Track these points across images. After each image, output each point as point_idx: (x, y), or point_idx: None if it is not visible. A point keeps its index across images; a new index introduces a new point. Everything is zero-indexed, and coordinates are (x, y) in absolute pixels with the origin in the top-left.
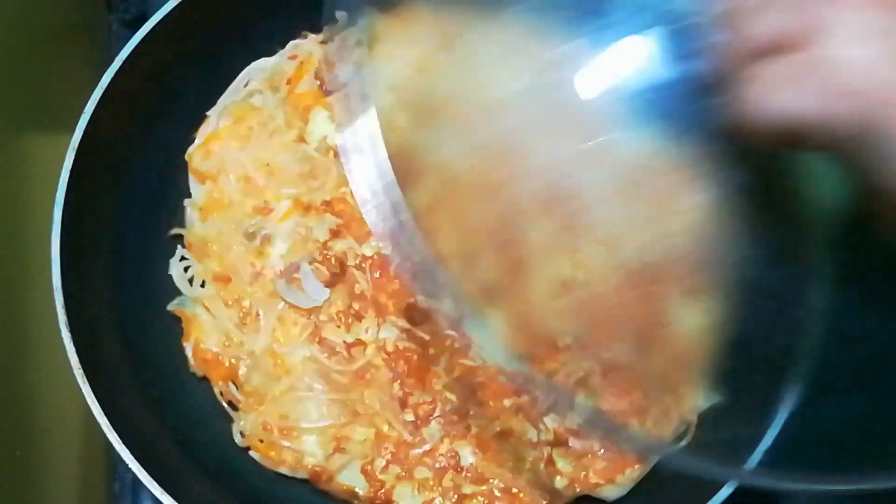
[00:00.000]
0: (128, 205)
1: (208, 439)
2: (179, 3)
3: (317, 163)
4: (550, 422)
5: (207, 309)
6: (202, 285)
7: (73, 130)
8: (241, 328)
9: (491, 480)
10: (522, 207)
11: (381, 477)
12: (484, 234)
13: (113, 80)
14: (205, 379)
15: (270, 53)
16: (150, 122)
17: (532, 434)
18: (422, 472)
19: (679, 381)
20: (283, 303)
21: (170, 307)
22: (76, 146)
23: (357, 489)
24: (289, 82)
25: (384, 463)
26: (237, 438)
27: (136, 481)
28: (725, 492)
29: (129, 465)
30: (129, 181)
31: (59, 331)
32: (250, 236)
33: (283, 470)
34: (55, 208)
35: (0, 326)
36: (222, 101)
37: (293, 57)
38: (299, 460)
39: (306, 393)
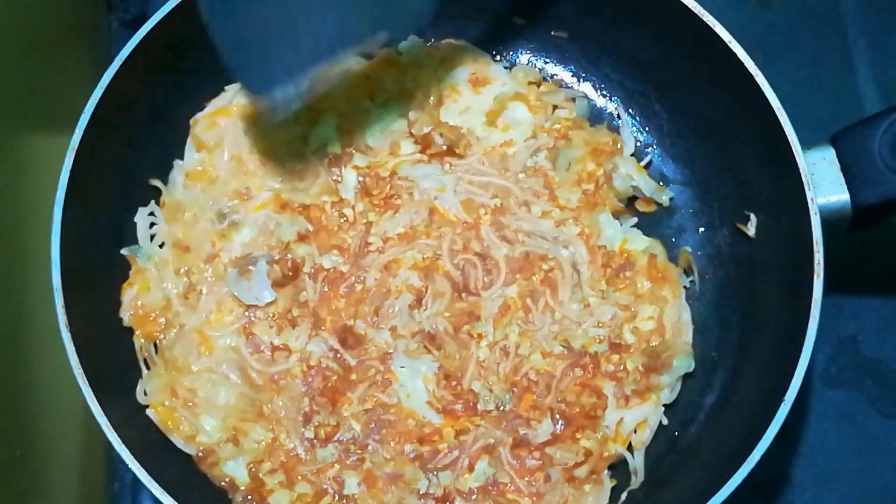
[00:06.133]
0: (127, 204)
1: None
2: (179, 3)
3: (309, 166)
4: (445, 478)
5: (158, 270)
6: (161, 246)
7: (73, 130)
8: (181, 299)
9: None
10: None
11: (263, 478)
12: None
13: (113, 80)
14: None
15: None
16: (151, 122)
17: (422, 484)
18: (303, 487)
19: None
20: (227, 288)
21: (124, 251)
22: (76, 146)
23: (238, 480)
24: None
25: (271, 467)
26: (140, 396)
27: (136, 481)
28: (725, 493)
29: (129, 465)
30: (129, 181)
31: (59, 331)
32: (221, 216)
33: (175, 438)
34: (55, 208)
35: (0, 326)
36: None
37: None
38: (193, 436)
39: (221, 378)
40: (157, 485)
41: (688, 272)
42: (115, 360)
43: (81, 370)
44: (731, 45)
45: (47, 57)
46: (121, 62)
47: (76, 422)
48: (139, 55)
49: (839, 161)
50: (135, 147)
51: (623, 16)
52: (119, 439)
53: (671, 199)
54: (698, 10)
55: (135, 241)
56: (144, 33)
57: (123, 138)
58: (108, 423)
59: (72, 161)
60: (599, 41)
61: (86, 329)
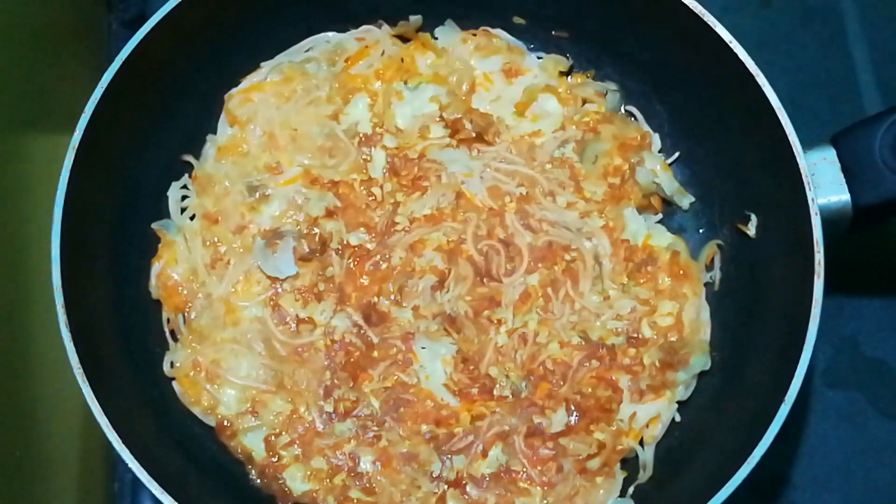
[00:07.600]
0: (128, 204)
1: (208, 439)
2: (179, 4)
3: (340, 143)
4: (459, 462)
5: (186, 241)
6: (191, 219)
7: (73, 130)
8: (208, 269)
9: (379, 496)
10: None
11: (280, 451)
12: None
13: (113, 80)
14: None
15: (270, 53)
16: (150, 122)
17: (436, 467)
18: (318, 463)
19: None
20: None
21: (154, 226)
22: (76, 146)
23: (254, 453)
24: (347, 60)
25: (288, 440)
26: (166, 368)
27: (136, 481)
28: (725, 493)
29: (129, 465)
30: (129, 181)
31: (59, 331)
32: (252, 189)
33: (196, 410)
34: (55, 208)
35: (0, 326)
36: (279, 57)
37: (361, 38)
38: (213, 407)
39: (246, 349)
40: (157, 485)
41: (708, 267)
42: (115, 359)
43: (81, 370)
44: (731, 45)
45: (47, 57)
46: (121, 62)
47: (76, 422)
48: (139, 55)
49: (840, 161)
50: (135, 146)
51: (624, 16)
52: (119, 439)
53: (692, 203)
54: (699, 9)
55: (135, 240)
56: (144, 33)
57: (124, 138)
58: (108, 423)
59: (72, 161)
60: (600, 41)
61: (86, 328)
